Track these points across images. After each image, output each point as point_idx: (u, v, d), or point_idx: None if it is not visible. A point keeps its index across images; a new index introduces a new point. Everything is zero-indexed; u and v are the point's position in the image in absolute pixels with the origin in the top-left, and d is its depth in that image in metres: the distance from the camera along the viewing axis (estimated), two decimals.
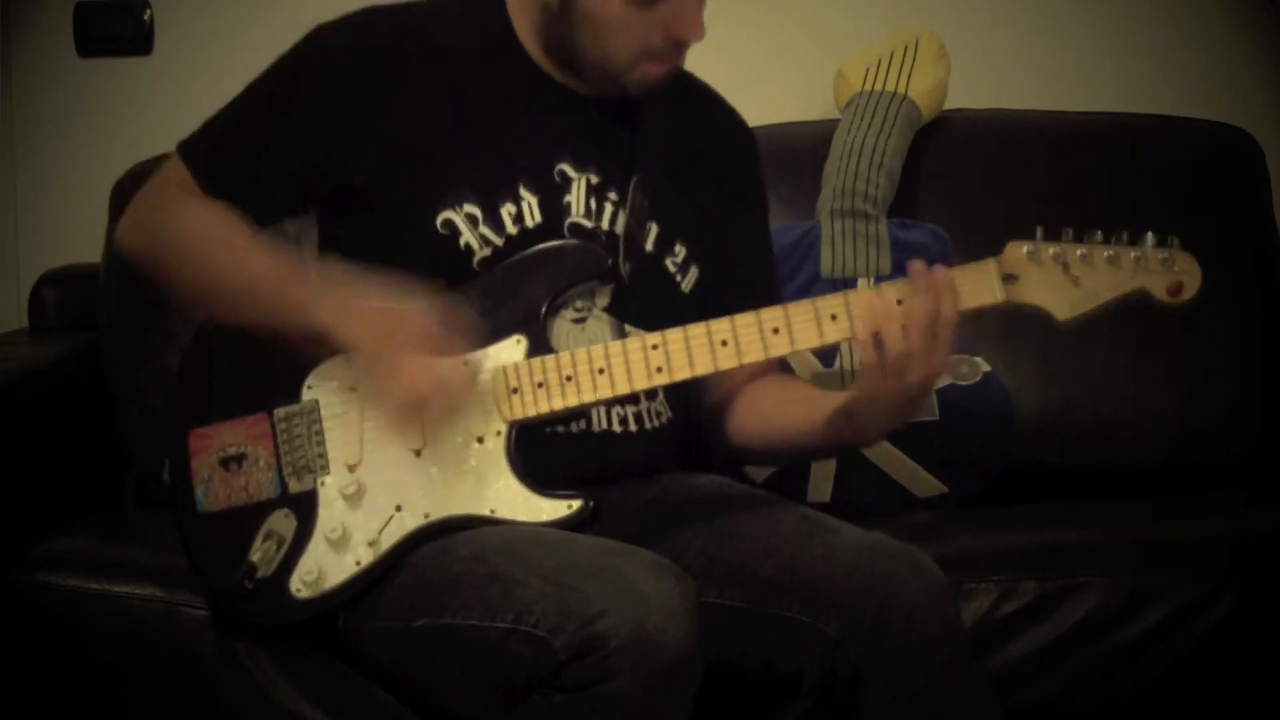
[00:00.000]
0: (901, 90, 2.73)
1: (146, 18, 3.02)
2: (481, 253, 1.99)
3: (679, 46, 1.97)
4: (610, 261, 1.98)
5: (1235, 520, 2.36)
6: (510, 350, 1.95)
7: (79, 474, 2.52)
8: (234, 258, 1.98)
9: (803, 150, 2.71)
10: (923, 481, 2.51)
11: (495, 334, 1.96)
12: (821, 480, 2.51)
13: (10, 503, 2.28)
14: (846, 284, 2.57)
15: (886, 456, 2.51)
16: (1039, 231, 1.90)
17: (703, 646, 1.79)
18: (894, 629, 1.83)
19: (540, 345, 1.95)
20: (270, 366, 1.98)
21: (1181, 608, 2.16)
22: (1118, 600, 2.16)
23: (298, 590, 1.93)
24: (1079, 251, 1.89)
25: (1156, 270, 1.89)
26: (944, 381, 2.52)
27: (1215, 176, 2.74)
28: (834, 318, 1.91)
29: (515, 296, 1.97)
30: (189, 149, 2.05)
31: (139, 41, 3.02)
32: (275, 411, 1.98)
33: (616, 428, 2.01)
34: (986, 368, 2.54)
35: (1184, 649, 2.15)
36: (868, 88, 2.75)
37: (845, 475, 2.51)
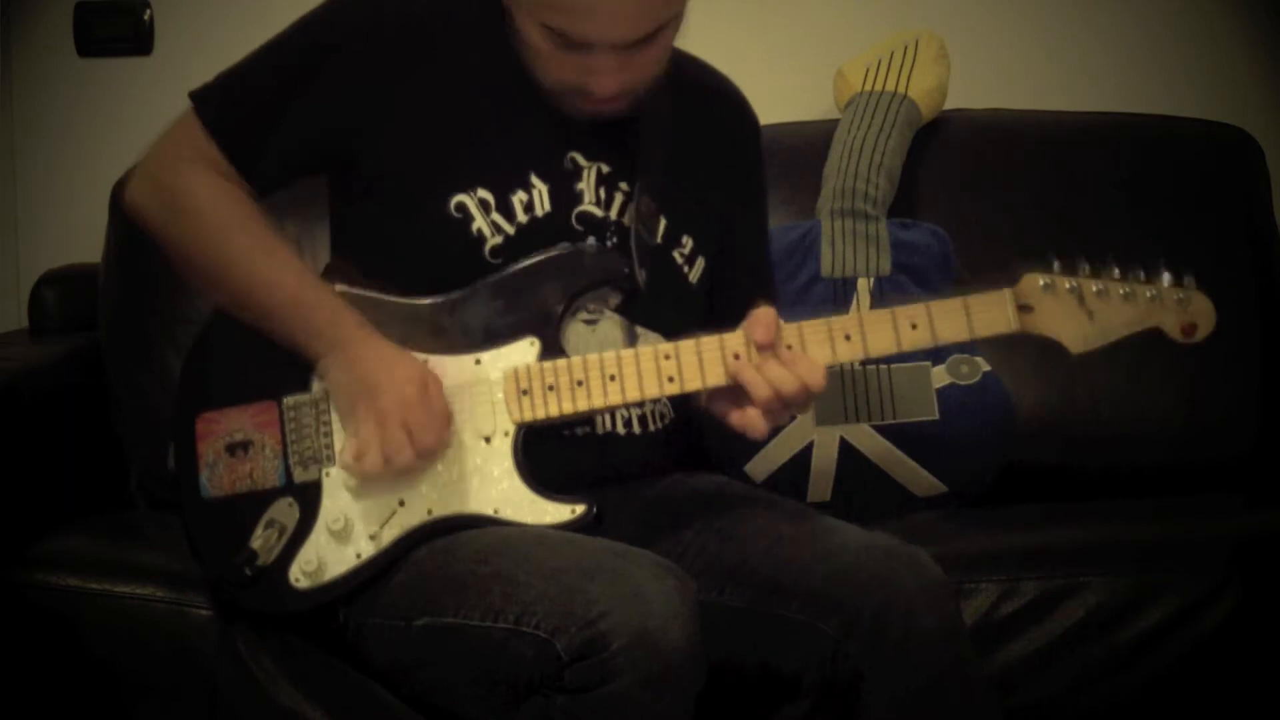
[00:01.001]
0: (901, 90, 2.73)
1: (146, 18, 3.02)
2: (493, 240, 1.99)
3: (593, 96, 1.94)
4: (626, 271, 1.98)
5: (1235, 520, 2.36)
6: (523, 352, 1.95)
7: (79, 474, 2.52)
8: (253, 254, 1.97)
9: (803, 150, 2.71)
10: (923, 481, 2.51)
11: (509, 335, 1.96)
12: (821, 480, 2.51)
13: (10, 503, 2.28)
14: (847, 284, 2.57)
15: (886, 456, 2.51)
16: (1055, 265, 1.91)
17: (704, 647, 1.79)
18: (894, 629, 1.83)
19: (553, 348, 1.95)
20: (282, 355, 1.97)
21: (1181, 608, 2.16)
22: (1118, 600, 2.16)
23: (297, 580, 1.93)
24: (1095, 287, 1.90)
25: (1172, 309, 1.90)
26: (944, 381, 2.52)
27: (1215, 176, 2.74)
28: (848, 338, 1.91)
29: (530, 299, 1.96)
30: (204, 104, 2.02)
31: (139, 41, 3.02)
32: (284, 400, 1.98)
33: (621, 429, 2.01)
34: (986, 368, 2.54)
35: (1184, 649, 2.15)
36: (868, 88, 2.75)
37: (845, 475, 2.51)
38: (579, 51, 1.89)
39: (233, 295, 1.99)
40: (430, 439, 1.89)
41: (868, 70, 2.78)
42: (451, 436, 1.92)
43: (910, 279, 2.55)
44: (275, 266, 1.97)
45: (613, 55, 1.89)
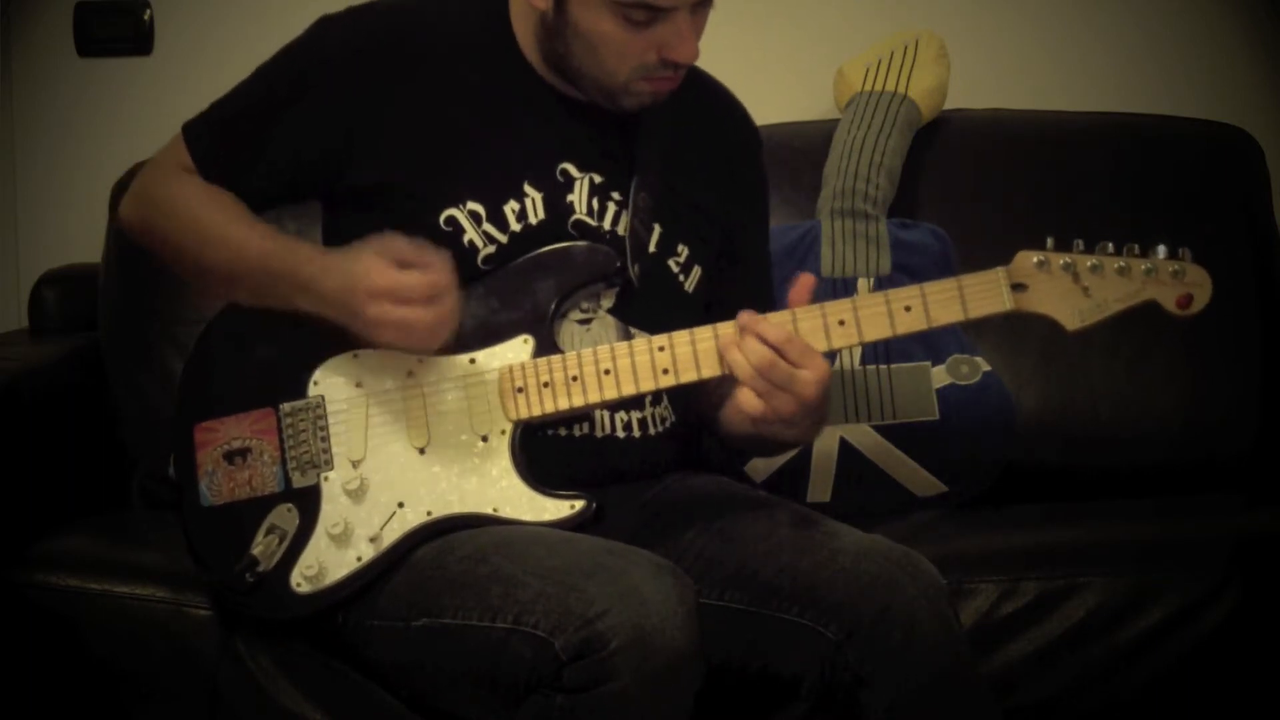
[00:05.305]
0: (901, 90, 2.73)
1: (146, 18, 3.02)
2: (485, 250, 1.99)
3: (674, 68, 1.96)
4: (619, 264, 1.99)
5: (1235, 520, 2.36)
6: (517, 350, 1.95)
7: (79, 474, 2.52)
8: (225, 227, 2.00)
9: (803, 150, 2.71)
10: (923, 481, 2.51)
11: (502, 333, 1.96)
12: (821, 480, 2.51)
13: (10, 503, 2.28)
14: (847, 284, 2.57)
15: (886, 456, 2.51)
16: (1049, 241, 1.90)
17: (703, 647, 1.79)
18: (894, 633, 1.83)
19: (547, 345, 1.95)
20: (277, 361, 1.99)
21: (1182, 608, 2.16)
22: (1118, 600, 2.16)
23: (298, 585, 1.94)
24: (1089, 262, 1.89)
25: (1167, 282, 1.88)
26: (944, 381, 2.52)
27: (1215, 176, 2.74)
28: (842, 323, 1.91)
29: (524, 296, 1.97)
30: (192, 130, 2.06)
31: (139, 41, 3.02)
32: (281, 406, 1.99)
33: (620, 433, 2.01)
34: (986, 368, 2.54)
35: (1184, 649, 2.15)
36: (868, 88, 2.75)
37: (845, 475, 2.51)
38: (654, 24, 1.91)
39: (211, 270, 2.01)
40: (421, 287, 1.87)
41: (868, 70, 2.78)
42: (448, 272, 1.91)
43: (910, 279, 2.54)
44: (239, 230, 1.99)
45: (688, 17, 1.92)
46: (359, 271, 1.89)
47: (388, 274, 1.88)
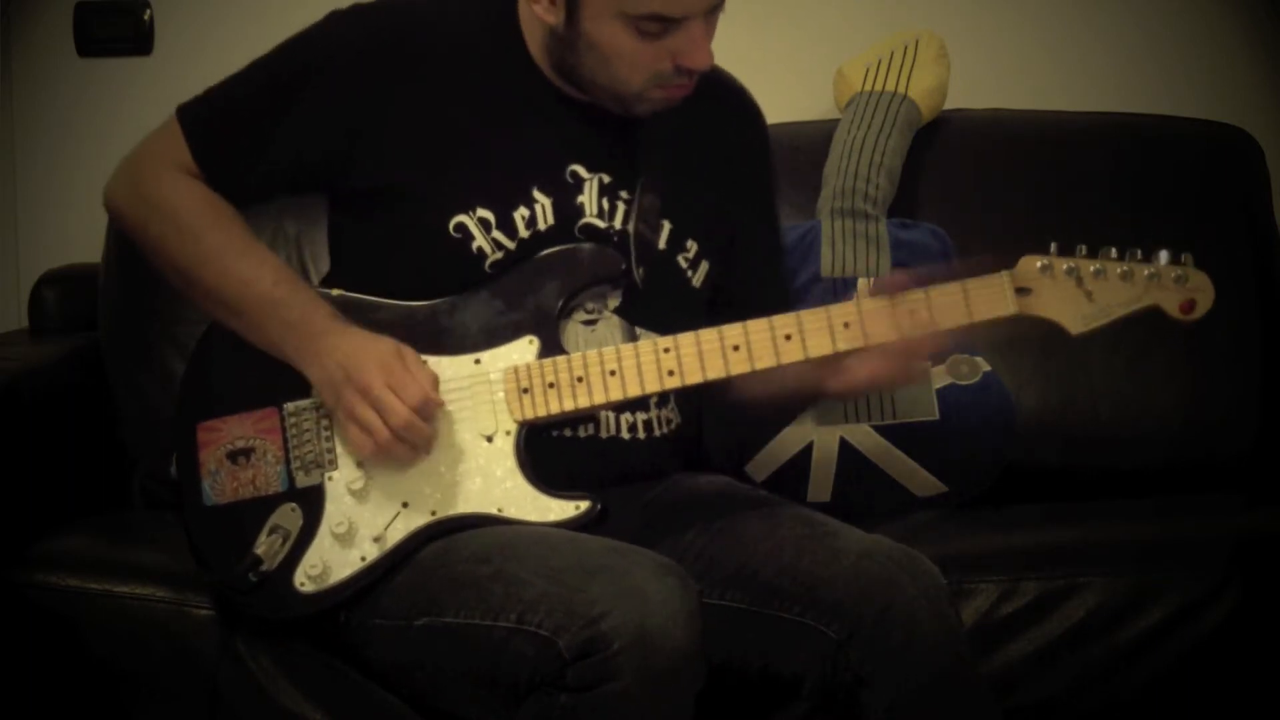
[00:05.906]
0: (901, 90, 2.73)
1: (146, 18, 3.01)
2: (494, 256, 1.99)
3: (689, 75, 1.95)
4: (624, 266, 1.98)
5: (1235, 520, 2.36)
6: (522, 350, 1.95)
7: (80, 474, 2.52)
8: (226, 252, 1.99)
9: (803, 150, 2.71)
10: (923, 481, 2.51)
11: (508, 334, 1.96)
12: (821, 480, 2.51)
13: (10, 503, 2.28)
14: (847, 284, 2.57)
15: (886, 456, 2.51)
16: (1053, 246, 1.90)
17: (704, 647, 1.79)
18: (896, 632, 1.83)
19: (552, 346, 1.95)
20: (281, 361, 1.98)
21: (1182, 608, 2.16)
22: (1118, 600, 2.16)
23: (302, 585, 1.93)
24: (1093, 267, 1.89)
25: (1170, 287, 1.89)
26: (944, 381, 2.52)
27: (1215, 176, 2.74)
28: (847, 325, 1.91)
29: (529, 297, 1.97)
30: (188, 117, 2.03)
31: (139, 41, 3.02)
32: (285, 406, 1.98)
33: (625, 435, 2.01)
34: (986, 368, 2.54)
35: (1184, 649, 2.16)
36: (868, 88, 2.75)
37: (845, 475, 2.51)
38: (668, 34, 1.90)
39: (207, 293, 2.00)
40: (416, 393, 1.89)
41: (868, 70, 2.78)
42: (442, 414, 1.92)
43: None
44: (248, 264, 1.98)
45: (702, 23, 1.91)
46: (363, 364, 1.90)
47: (386, 394, 1.89)
